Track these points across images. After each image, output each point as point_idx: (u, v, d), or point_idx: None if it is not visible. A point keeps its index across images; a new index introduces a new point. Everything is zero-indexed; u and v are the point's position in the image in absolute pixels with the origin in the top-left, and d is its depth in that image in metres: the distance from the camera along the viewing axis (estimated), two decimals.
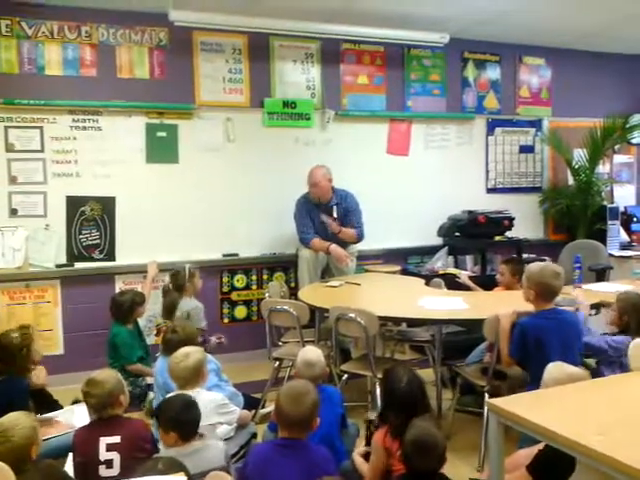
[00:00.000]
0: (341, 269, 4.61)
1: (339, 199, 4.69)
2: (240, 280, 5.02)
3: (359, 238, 4.73)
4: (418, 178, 5.54)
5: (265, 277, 5.08)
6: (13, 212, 4.34)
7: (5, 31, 4.30)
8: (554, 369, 2.33)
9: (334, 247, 4.53)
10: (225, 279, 4.96)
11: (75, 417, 3.08)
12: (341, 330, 3.47)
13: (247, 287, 5.04)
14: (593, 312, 3.33)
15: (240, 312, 5.02)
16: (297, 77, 5.15)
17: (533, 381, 2.80)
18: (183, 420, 2.31)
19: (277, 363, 3.83)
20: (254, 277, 5.06)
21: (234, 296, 5.00)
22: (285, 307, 3.69)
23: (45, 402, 3.22)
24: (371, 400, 3.54)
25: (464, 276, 4.54)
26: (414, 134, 5.55)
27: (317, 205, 4.67)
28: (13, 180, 4.34)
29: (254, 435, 3.10)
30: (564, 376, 2.26)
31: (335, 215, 4.66)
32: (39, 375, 3.25)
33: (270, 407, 3.50)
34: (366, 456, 2.55)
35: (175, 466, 1.89)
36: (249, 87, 4.98)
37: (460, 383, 3.53)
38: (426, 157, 5.60)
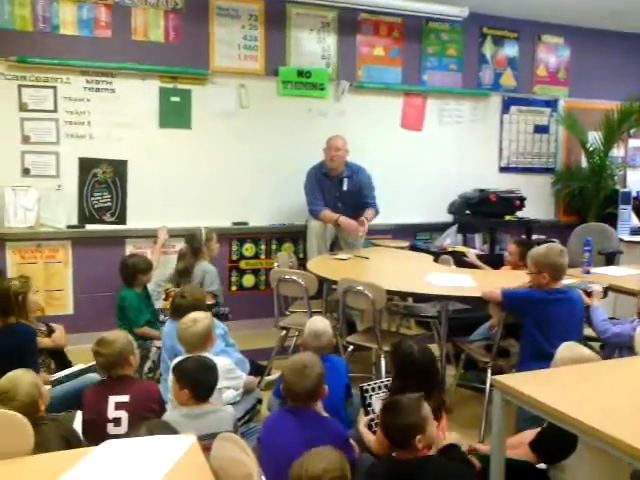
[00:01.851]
0: (350, 242, 4.62)
1: (350, 172, 4.68)
2: (249, 249, 5.04)
3: (376, 214, 4.72)
4: (431, 154, 5.51)
5: (274, 247, 5.09)
6: (25, 172, 4.35)
7: None
8: (566, 349, 2.34)
9: (343, 219, 4.53)
10: (234, 247, 4.98)
11: None
12: (349, 302, 3.49)
13: (256, 256, 5.06)
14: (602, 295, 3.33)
15: (248, 281, 5.04)
16: (312, 46, 5.09)
17: (533, 358, 2.84)
18: (200, 380, 2.34)
19: (284, 332, 3.86)
20: (263, 246, 5.08)
21: (242, 264, 5.02)
22: (294, 277, 3.70)
23: (62, 363, 3.28)
24: (375, 372, 3.58)
25: (472, 254, 4.54)
26: (428, 109, 5.50)
27: (328, 177, 4.66)
28: (26, 140, 4.33)
29: (260, 400, 3.16)
30: (577, 357, 2.27)
31: (345, 188, 4.65)
32: (59, 336, 3.30)
33: (276, 374, 3.55)
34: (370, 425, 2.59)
35: (163, 429, 1.88)
36: (264, 54, 4.92)
37: (463, 359, 3.58)
38: (440, 133, 5.55)
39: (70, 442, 2.08)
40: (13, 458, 1.62)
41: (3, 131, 4.27)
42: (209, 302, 3.86)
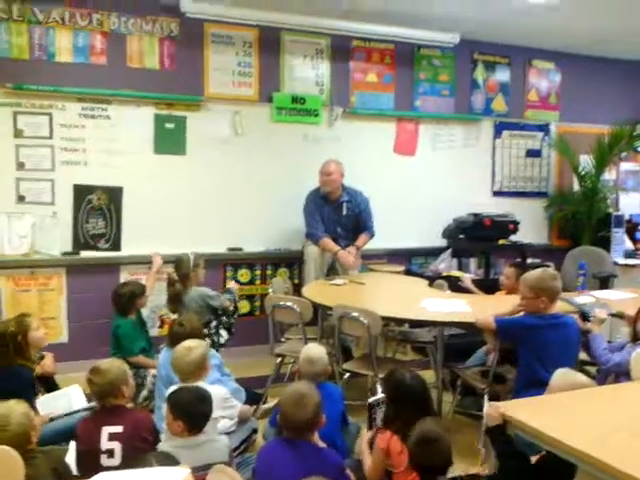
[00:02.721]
0: (347, 268, 4.62)
1: (349, 197, 4.70)
2: (244, 275, 5.03)
3: (371, 237, 4.77)
4: (424, 179, 5.54)
5: (269, 272, 5.08)
6: (20, 199, 4.34)
7: (16, 16, 4.28)
8: (561, 376, 2.34)
9: (342, 253, 4.52)
10: (229, 273, 4.97)
11: (73, 401, 3.11)
12: (344, 329, 3.48)
13: (251, 282, 5.05)
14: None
15: (243, 307, 5.01)
16: (306, 73, 5.14)
17: (529, 385, 2.82)
18: (194, 411, 2.32)
19: (279, 359, 3.83)
20: (258, 272, 5.07)
21: (237, 290, 4.99)
22: (289, 303, 3.69)
23: (52, 390, 3.24)
24: None
25: (467, 279, 4.53)
26: (421, 134, 5.55)
27: (327, 201, 4.67)
28: (21, 166, 4.33)
29: (255, 430, 3.12)
30: (571, 383, 2.26)
31: (345, 212, 4.67)
32: (48, 363, 3.27)
33: (272, 402, 3.52)
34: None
35: (168, 461, 1.88)
36: (258, 81, 4.97)
37: (459, 385, 3.55)
38: (433, 158, 5.60)
39: (61, 475, 2.05)
40: None
41: None
42: (231, 308, 4.03)
